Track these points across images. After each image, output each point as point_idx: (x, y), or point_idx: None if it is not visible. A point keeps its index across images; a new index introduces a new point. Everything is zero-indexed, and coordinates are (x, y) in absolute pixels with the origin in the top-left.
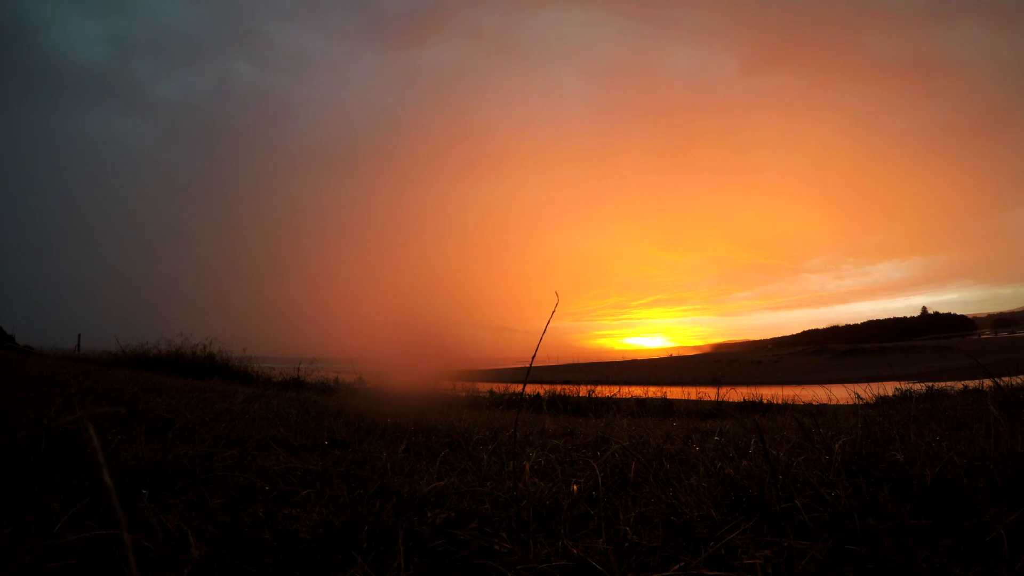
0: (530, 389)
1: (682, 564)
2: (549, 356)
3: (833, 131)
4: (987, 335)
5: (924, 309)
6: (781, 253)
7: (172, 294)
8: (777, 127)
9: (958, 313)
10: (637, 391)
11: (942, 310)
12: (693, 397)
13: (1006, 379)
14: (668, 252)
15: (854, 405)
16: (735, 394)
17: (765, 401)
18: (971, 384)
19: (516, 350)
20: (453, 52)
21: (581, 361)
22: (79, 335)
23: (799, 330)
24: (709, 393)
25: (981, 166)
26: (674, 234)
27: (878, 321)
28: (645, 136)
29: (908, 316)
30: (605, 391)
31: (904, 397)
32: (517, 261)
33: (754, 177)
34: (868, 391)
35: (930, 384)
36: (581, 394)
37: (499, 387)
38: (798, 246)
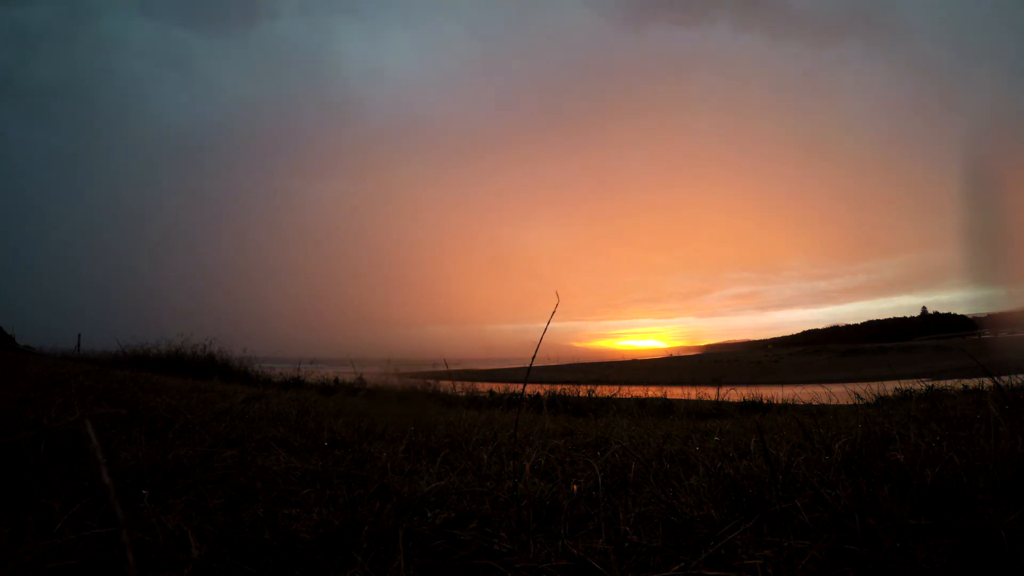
0: (530, 389)
1: (682, 564)
2: (548, 356)
3: (769, 97)
4: (987, 335)
5: (924, 309)
6: (754, 252)
7: (172, 294)
8: (699, 93)
9: (958, 313)
10: (637, 391)
11: (942, 310)
12: (693, 397)
13: (1006, 379)
14: (627, 250)
15: (854, 405)
16: (735, 394)
17: (765, 401)
18: (971, 384)
19: (511, 350)
20: (292, 21)
21: (580, 361)
22: (79, 335)
23: (783, 331)
24: (709, 393)
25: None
26: (624, 229)
27: (878, 321)
28: (546, 108)
29: (908, 316)
30: (605, 391)
31: (904, 397)
32: (453, 259)
33: (693, 154)
34: (868, 391)
35: (930, 384)
36: (581, 394)
37: (499, 387)
38: (771, 244)
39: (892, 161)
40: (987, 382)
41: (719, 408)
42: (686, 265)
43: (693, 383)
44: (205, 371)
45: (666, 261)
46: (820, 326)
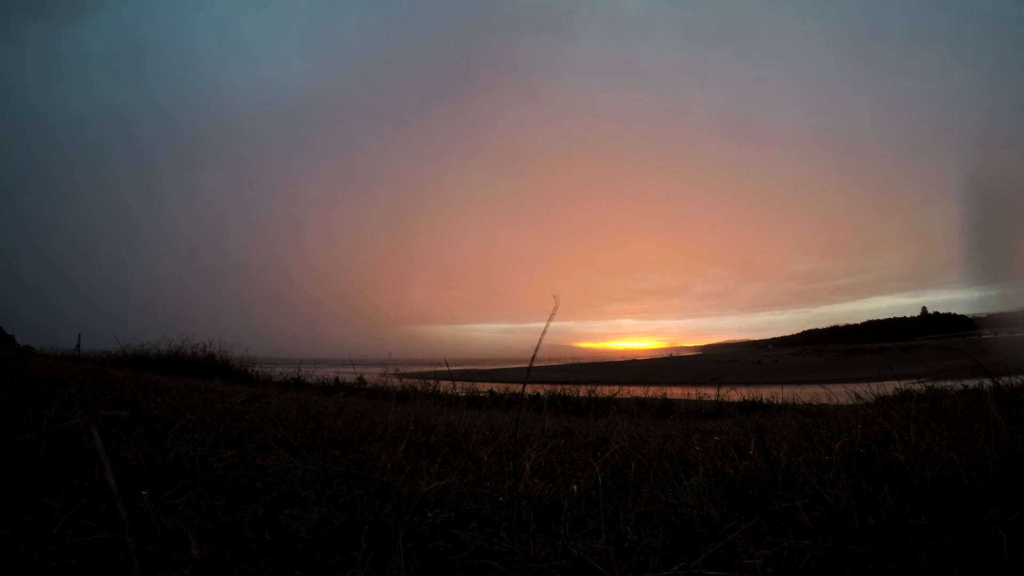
0: (530, 389)
1: (682, 564)
2: (549, 357)
3: (707, 63)
4: (987, 335)
5: (924, 309)
6: (736, 250)
7: (172, 294)
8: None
9: (958, 313)
10: (637, 391)
11: (941, 310)
12: (693, 397)
13: (1006, 379)
14: (597, 253)
15: (854, 405)
16: (735, 394)
17: (765, 401)
18: (971, 384)
19: (501, 350)
20: (120, 9)
21: (579, 361)
22: (79, 335)
23: (780, 331)
24: (709, 393)
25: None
26: (584, 231)
27: (878, 321)
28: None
29: (908, 316)
30: (605, 391)
31: (904, 397)
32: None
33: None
34: (868, 391)
35: (930, 384)
36: (581, 394)
37: (499, 387)
38: (756, 242)
39: (868, 151)
40: (987, 382)
41: (719, 408)
42: (669, 265)
43: (693, 383)
44: (205, 371)
45: (647, 262)
46: (820, 326)
